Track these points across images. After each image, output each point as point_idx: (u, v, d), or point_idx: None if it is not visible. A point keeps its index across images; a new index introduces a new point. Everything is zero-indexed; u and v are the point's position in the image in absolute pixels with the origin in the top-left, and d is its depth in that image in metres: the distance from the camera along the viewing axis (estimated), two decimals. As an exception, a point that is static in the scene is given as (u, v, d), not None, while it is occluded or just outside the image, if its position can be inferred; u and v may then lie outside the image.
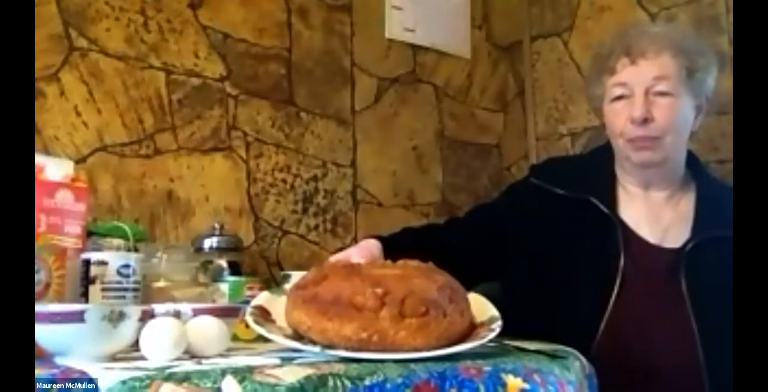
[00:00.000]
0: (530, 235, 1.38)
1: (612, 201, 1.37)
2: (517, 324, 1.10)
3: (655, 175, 1.37)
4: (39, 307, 0.79)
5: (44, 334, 0.78)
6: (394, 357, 0.81)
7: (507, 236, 1.40)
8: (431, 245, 1.35)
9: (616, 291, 1.27)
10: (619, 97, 1.33)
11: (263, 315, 0.95)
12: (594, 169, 1.42)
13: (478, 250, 1.40)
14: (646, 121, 1.28)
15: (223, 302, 1.22)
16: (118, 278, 1.06)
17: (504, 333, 0.96)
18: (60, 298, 0.95)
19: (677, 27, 1.41)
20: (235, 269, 1.44)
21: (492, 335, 0.92)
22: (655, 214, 1.37)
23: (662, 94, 1.29)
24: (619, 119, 1.33)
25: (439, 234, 1.45)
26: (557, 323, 1.23)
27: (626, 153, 1.35)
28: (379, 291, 0.86)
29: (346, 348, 0.83)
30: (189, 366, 0.76)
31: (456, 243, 1.39)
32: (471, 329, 0.93)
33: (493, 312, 0.99)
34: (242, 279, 1.28)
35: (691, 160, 1.42)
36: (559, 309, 1.29)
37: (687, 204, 1.38)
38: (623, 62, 1.32)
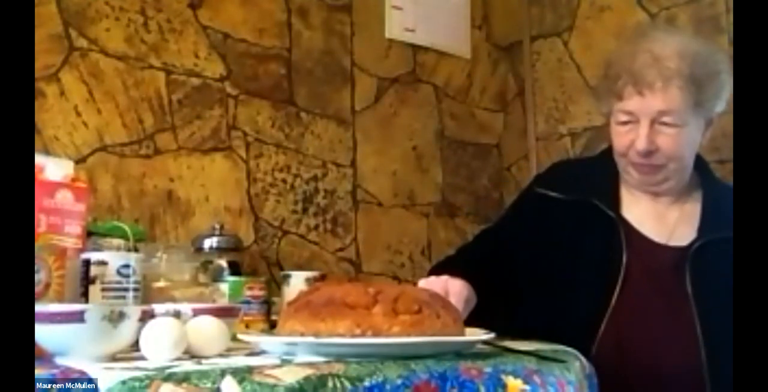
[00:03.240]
0: (538, 243, 1.38)
1: (615, 201, 1.38)
2: (522, 324, 1.10)
3: (657, 190, 1.37)
4: (39, 307, 0.79)
5: (44, 334, 0.78)
6: (390, 341, 0.81)
7: (518, 255, 1.38)
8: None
9: (618, 288, 1.27)
10: (625, 122, 1.31)
11: None
12: (598, 171, 1.42)
13: (494, 279, 1.34)
14: (650, 152, 1.28)
15: (223, 302, 1.22)
16: (118, 278, 1.06)
17: (505, 333, 0.96)
18: (60, 298, 0.95)
19: (689, 45, 1.32)
20: (235, 269, 1.44)
21: (491, 335, 0.92)
22: (661, 213, 1.38)
23: (667, 124, 1.27)
24: (623, 141, 1.32)
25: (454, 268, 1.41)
26: (559, 322, 1.24)
27: (627, 170, 1.36)
28: (372, 290, 0.86)
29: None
30: (189, 366, 0.76)
31: (471, 272, 1.35)
32: None
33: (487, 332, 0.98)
34: (242, 279, 1.28)
35: (699, 163, 1.42)
36: (561, 309, 1.29)
37: (694, 203, 1.38)
38: (629, 91, 1.29)
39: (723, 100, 1.31)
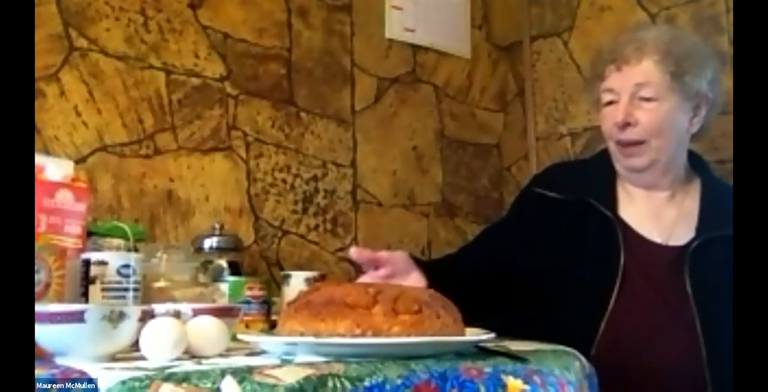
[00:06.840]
0: (536, 242, 1.38)
1: (612, 201, 1.38)
2: (521, 324, 1.10)
3: (647, 178, 1.38)
4: (39, 307, 0.79)
5: (44, 334, 0.78)
6: (390, 341, 0.81)
7: (517, 254, 1.39)
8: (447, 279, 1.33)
9: (616, 289, 1.27)
10: (609, 103, 1.36)
11: None
12: (595, 171, 1.43)
13: (492, 279, 1.37)
14: (629, 124, 1.32)
15: (223, 302, 1.22)
16: (118, 278, 1.06)
17: (505, 333, 0.96)
18: (60, 298, 0.95)
19: (669, 31, 1.42)
20: (235, 269, 1.44)
21: (491, 335, 0.92)
22: (658, 213, 1.38)
23: (646, 99, 1.31)
24: (608, 123, 1.36)
25: (453, 266, 1.40)
26: (558, 323, 1.24)
27: (617, 157, 1.38)
28: (371, 290, 0.86)
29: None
30: (189, 366, 0.76)
31: (471, 272, 1.35)
32: None
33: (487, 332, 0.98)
34: (242, 279, 1.28)
35: (694, 160, 1.43)
36: (560, 309, 1.29)
37: (691, 202, 1.39)
38: (610, 68, 1.36)
39: (706, 79, 1.34)
